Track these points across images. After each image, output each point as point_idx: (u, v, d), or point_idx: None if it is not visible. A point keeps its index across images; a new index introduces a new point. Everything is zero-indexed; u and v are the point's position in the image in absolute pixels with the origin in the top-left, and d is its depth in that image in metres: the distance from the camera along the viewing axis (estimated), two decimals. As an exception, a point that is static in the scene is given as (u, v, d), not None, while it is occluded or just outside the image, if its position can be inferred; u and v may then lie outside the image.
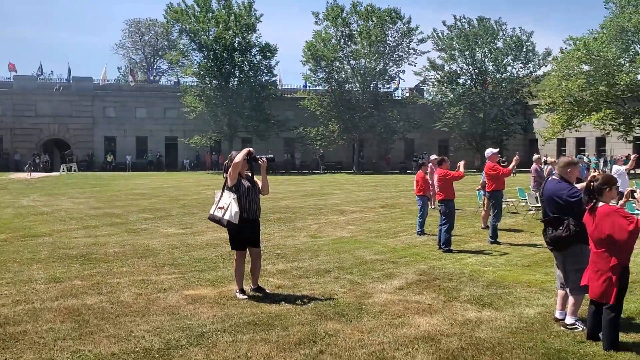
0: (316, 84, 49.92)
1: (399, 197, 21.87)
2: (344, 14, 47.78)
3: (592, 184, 5.23)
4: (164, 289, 7.33)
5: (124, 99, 51.15)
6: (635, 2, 37.10)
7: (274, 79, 50.00)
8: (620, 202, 5.53)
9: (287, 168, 48.60)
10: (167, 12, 46.26)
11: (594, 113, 37.09)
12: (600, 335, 5.22)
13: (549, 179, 6.05)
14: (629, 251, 5.10)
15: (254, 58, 48.02)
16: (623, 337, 5.31)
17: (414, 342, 5.32)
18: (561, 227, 5.65)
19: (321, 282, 7.79)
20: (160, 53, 71.94)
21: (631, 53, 38.16)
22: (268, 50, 47.70)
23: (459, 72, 51.03)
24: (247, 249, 7.05)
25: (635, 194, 5.24)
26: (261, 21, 47.14)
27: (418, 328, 5.74)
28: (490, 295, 7.11)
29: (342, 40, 48.13)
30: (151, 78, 64.22)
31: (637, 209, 13.67)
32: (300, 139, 49.78)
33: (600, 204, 5.17)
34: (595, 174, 5.47)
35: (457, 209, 14.38)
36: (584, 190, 5.33)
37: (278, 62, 60.90)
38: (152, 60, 74.67)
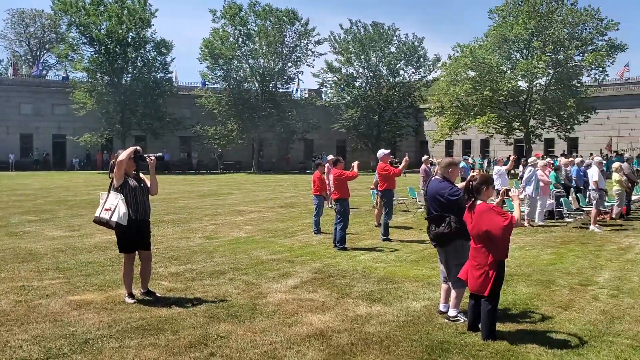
0: (214, 82, 49.23)
1: (298, 197, 22.04)
2: (242, 13, 47.47)
3: (471, 183, 5.56)
4: (47, 295, 6.91)
5: (7, 93, 47.53)
6: (516, 14, 39.92)
7: (169, 75, 48.67)
8: (497, 200, 5.91)
9: (183, 168, 47.53)
10: (55, 3, 43.53)
11: (479, 117, 39.50)
12: (480, 326, 5.55)
13: (432, 178, 6.37)
14: (505, 246, 5.44)
15: (148, 54, 46.57)
16: (500, 327, 5.67)
17: (305, 340, 5.38)
18: (443, 224, 5.95)
19: (215, 283, 7.68)
20: (47, 46, 67.66)
21: (512, 61, 41.00)
22: (163, 47, 46.42)
23: (355, 75, 52.34)
24: (137, 252, 6.80)
25: (510, 192, 5.61)
26: (156, 16, 45.79)
27: (310, 326, 5.82)
28: (380, 290, 7.35)
29: (240, 39, 47.79)
30: (37, 72, 60.19)
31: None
32: (198, 137, 48.88)
33: (479, 202, 5.50)
34: (475, 173, 5.82)
35: (352, 208, 14.70)
36: (464, 189, 5.66)
37: (174, 58, 59.45)
38: (38, 53, 70.00)
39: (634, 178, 16.95)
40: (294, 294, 7.12)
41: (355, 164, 11.31)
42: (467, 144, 53.93)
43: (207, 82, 49.79)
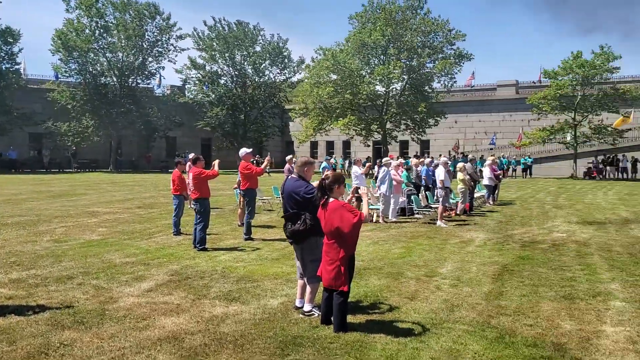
0: (68, 75, 46.04)
1: (158, 197, 21.31)
2: (99, 4, 44.89)
3: (324, 181, 5.74)
4: None
5: None
6: (374, 21, 41.81)
7: (17, 67, 44.68)
8: (348, 197, 6.17)
9: (33, 166, 43.86)
10: None
11: (341, 119, 40.82)
12: (332, 318, 5.74)
13: (289, 177, 6.49)
14: (354, 241, 5.69)
15: (-9, 43, 42.43)
16: (351, 319, 5.92)
17: (156, 343, 5.23)
18: (299, 222, 6.09)
19: (62, 289, 7.20)
20: None
21: (371, 66, 42.88)
22: (9, 36, 42.56)
23: (220, 72, 51.76)
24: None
25: (359, 190, 5.88)
26: (1, 2, 41.90)
27: (163, 329, 5.66)
28: (239, 290, 7.34)
29: (97, 31, 45.18)
30: None
31: (373, 204, 15.42)
32: (50, 134, 45.43)
33: (331, 199, 5.70)
34: (328, 173, 6.02)
35: (216, 208, 14.55)
36: (317, 188, 5.83)
37: (22, 49, 54.30)
38: None
39: (476, 177, 18.52)
40: (147, 298, 6.89)
41: (216, 162, 11.20)
42: (330, 145, 55.58)
43: (60, 76, 46.37)
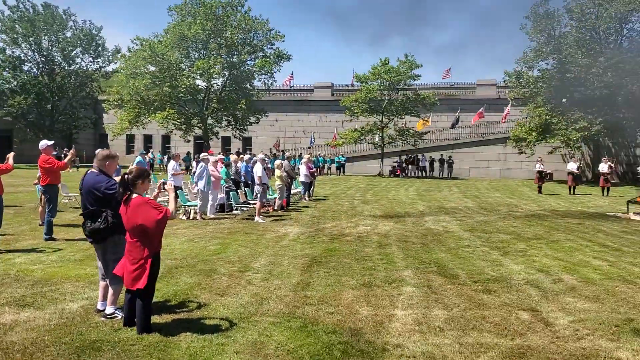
0: None
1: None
2: None
3: (127, 176, 5.48)
4: None
5: None
6: (194, 14, 41.07)
7: None
8: (154, 193, 5.98)
9: None
10: None
11: (159, 112, 39.49)
12: (136, 320, 5.52)
13: (88, 171, 6.10)
14: (159, 239, 5.51)
15: None
16: (157, 319, 5.75)
17: None
18: (99, 220, 5.76)
19: None
20: None
21: (192, 59, 42.07)
22: None
23: (23, 58, 47.03)
24: None
25: (165, 186, 5.72)
26: None
27: None
28: (33, 294, 6.75)
29: None
30: None
31: (190, 201, 15.15)
32: None
33: (135, 195, 5.47)
34: (132, 167, 5.77)
35: (14, 206, 13.19)
36: (120, 183, 5.55)
37: None
38: None
39: (293, 174, 19.15)
40: None
41: (10, 155, 10.17)
42: (148, 139, 53.41)
43: None
